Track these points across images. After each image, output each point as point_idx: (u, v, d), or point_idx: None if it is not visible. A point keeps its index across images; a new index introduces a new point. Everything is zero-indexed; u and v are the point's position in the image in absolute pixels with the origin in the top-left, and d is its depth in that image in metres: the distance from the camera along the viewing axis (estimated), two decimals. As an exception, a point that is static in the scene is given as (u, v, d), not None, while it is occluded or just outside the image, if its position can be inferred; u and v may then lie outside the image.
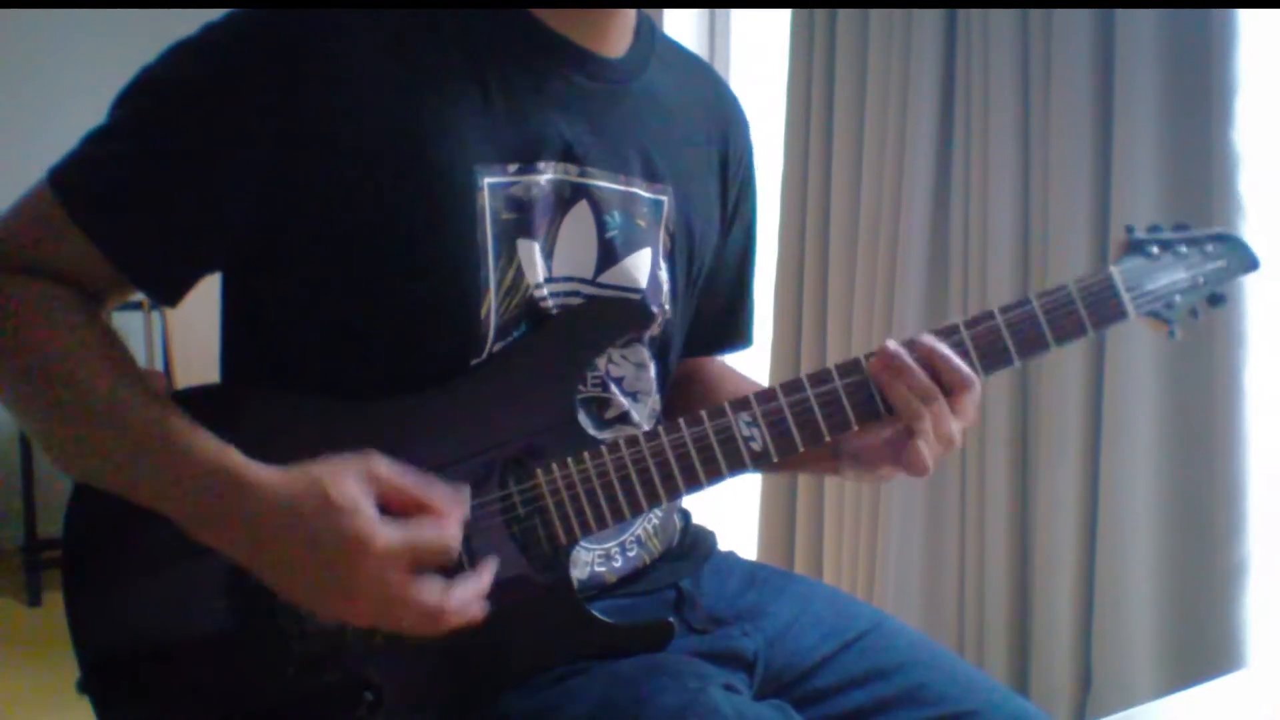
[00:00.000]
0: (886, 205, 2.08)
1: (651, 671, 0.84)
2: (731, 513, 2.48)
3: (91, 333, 0.82)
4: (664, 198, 0.95)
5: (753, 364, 2.40)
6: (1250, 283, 1.55)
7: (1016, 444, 1.88)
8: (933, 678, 0.93)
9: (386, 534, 0.74)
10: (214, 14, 0.83)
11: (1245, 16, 1.53)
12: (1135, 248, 0.94)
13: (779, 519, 2.39)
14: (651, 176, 0.94)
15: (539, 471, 0.84)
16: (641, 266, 0.93)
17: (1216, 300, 0.96)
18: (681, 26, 2.70)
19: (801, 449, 0.87)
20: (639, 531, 0.95)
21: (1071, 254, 1.75)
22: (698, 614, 0.96)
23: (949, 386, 0.87)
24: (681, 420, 0.86)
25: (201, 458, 0.76)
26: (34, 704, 2.61)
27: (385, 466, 0.77)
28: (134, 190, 0.81)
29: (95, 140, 0.83)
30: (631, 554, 0.94)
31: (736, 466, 0.86)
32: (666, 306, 0.97)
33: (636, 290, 0.93)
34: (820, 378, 0.87)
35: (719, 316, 1.10)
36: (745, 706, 0.83)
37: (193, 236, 0.83)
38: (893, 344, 0.87)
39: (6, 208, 0.85)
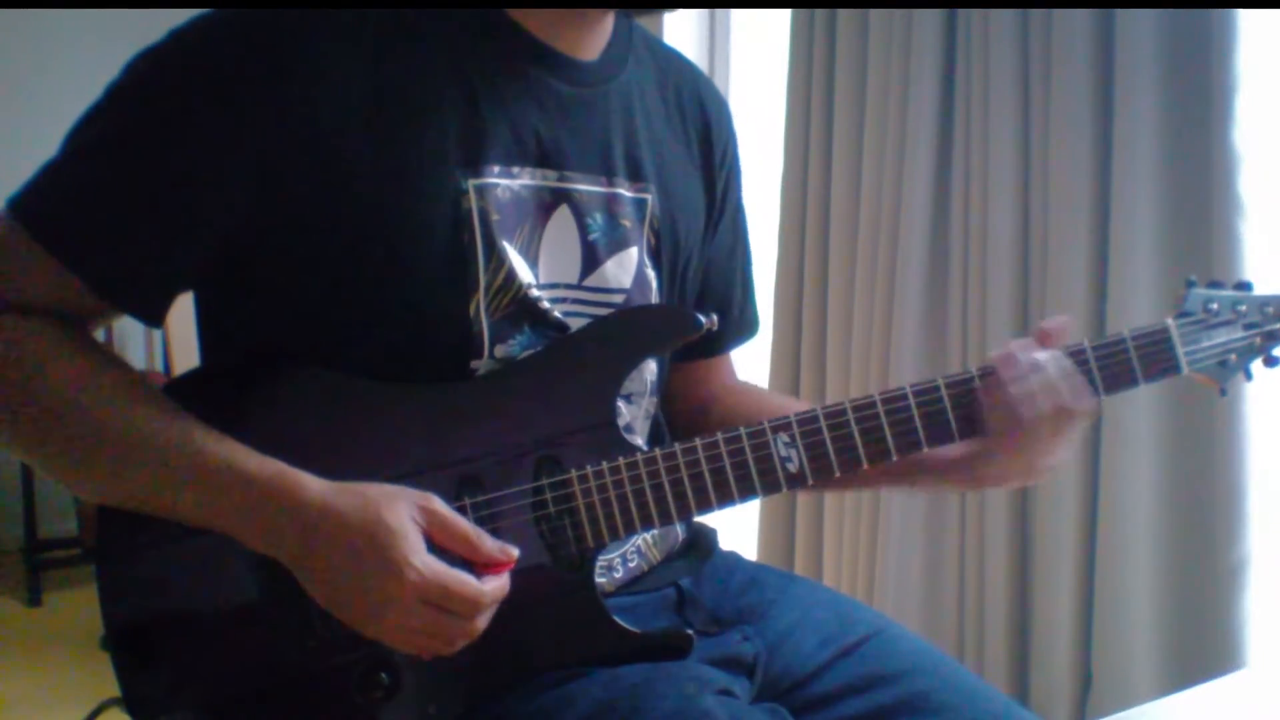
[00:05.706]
0: (886, 205, 2.08)
1: (650, 676, 0.83)
2: (732, 514, 2.48)
3: (89, 360, 0.81)
4: (647, 196, 0.95)
5: (753, 364, 2.40)
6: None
7: (1016, 444, 1.87)
8: (933, 686, 0.92)
9: (423, 564, 0.74)
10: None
11: (1245, 16, 1.53)
12: (1194, 301, 0.93)
13: (779, 520, 2.39)
14: (634, 176, 0.94)
15: (573, 470, 0.84)
16: (626, 267, 0.93)
17: (1274, 362, 0.94)
18: (681, 26, 2.70)
19: (838, 474, 0.87)
20: (639, 542, 0.95)
21: (1071, 254, 1.74)
22: (699, 614, 0.96)
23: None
24: (719, 435, 0.86)
25: (249, 473, 0.77)
26: (34, 704, 2.61)
27: (440, 504, 0.78)
28: (110, 211, 0.79)
29: (61, 165, 0.80)
30: (632, 564, 0.94)
31: (771, 486, 0.87)
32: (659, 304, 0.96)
33: (621, 291, 0.93)
34: (864, 404, 0.87)
35: (723, 311, 1.08)
36: (740, 712, 0.83)
37: (174, 254, 0.81)
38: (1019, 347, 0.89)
39: None
